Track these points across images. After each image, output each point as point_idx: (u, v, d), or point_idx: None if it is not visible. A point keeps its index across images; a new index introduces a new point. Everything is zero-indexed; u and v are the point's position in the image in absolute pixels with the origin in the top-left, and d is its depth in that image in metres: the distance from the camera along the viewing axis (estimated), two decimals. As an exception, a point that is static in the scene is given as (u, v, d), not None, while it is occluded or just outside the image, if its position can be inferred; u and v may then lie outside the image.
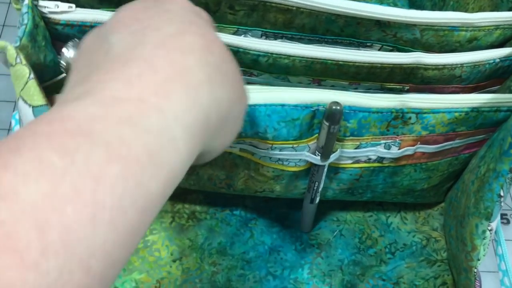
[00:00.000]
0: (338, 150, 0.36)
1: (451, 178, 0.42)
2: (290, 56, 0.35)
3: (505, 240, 0.46)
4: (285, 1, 0.34)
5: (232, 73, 0.23)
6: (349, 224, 0.45)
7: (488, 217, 0.32)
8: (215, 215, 0.45)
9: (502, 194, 0.31)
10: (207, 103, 0.20)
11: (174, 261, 0.43)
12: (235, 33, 0.37)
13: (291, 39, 0.38)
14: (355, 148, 0.36)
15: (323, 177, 0.38)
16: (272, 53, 0.35)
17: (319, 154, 0.35)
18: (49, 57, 0.34)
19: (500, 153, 0.31)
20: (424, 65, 0.36)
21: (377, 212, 0.46)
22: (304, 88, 0.33)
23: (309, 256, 0.44)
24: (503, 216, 0.48)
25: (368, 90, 0.39)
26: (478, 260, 0.35)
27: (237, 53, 0.35)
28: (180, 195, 0.45)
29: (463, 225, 0.36)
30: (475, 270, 0.36)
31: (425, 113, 0.35)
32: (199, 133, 0.20)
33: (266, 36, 0.38)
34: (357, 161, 0.38)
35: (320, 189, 0.39)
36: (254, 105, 0.33)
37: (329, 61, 0.35)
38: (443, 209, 0.46)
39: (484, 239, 0.34)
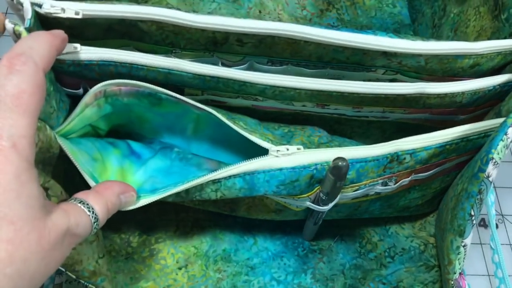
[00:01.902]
0: (338, 196, 0.37)
1: (443, 192, 0.44)
2: (296, 89, 0.35)
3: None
4: (293, 34, 0.34)
5: None
6: (350, 229, 0.47)
7: (461, 234, 0.35)
8: (218, 223, 0.46)
9: (472, 213, 0.33)
10: None
11: (179, 268, 0.45)
12: (241, 60, 0.37)
13: (297, 65, 0.38)
14: (354, 191, 0.37)
15: (325, 214, 0.39)
16: (278, 86, 0.35)
17: (321, 202, 0.36)
18: (57, 98, 0.34)
19: (472, 175, 0.33)
20: (427, 94, 0.36)
21: (376, 218, 0.47)
22: (300, 151, 0.34)
23: (312, 261, 0.46)
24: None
25: (370, 112, 0.39)
26: (454, 273, 0.37)
27: (244, 85, 0.35)
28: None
29: (443, 239, 0.38)
30: (452, 283, 0.38)
31: (418, 151, 0.36)
32: None
33: (272, 62, 0.37)
34: (356, 198, 0.39)
35: (322, 218, 0.40)
36: (253, 173, 0.33)
37: (334, 93, 0.36)
38: (437, 214, 0.48)
39: (458, 254, 0.36)
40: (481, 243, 0.48)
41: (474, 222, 0.34)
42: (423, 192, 0.42)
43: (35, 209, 0.22)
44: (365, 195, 0.39)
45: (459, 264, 0.37)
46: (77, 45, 0.33)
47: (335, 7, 0.56)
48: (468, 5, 0.44)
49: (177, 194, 0.33)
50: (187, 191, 0.33)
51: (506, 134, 0.31)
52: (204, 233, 0.46)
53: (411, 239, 0.47)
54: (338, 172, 0.33)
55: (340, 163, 0.32)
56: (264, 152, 0.34)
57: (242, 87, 0.35)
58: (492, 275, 0.48)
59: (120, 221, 0.45)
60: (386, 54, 0.36)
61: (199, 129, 0.39)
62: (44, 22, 0.31)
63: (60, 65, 0.33)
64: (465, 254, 0.37)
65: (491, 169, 0.32)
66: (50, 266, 0.23)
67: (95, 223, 0.27)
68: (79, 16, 0.32)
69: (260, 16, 0.54)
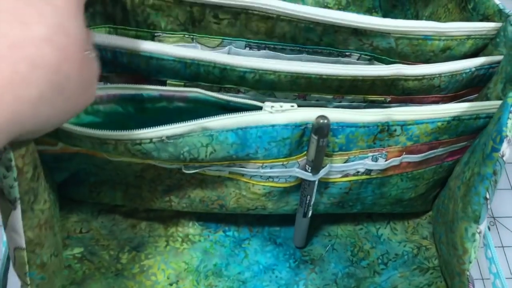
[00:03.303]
0: (328, 165, 0.37)
1: (436, 186, 0.43)
2: (275, 71, 0.36)
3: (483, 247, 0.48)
4: (266, 8, 0.35)
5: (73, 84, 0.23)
6: (341, 238, 0.46)
7: (477, 220, 0.33)
8: (209, 237, 0.45)
9: (488, 196, 0.32)
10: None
11: (171, 284, 0.43)
12: (220, 44, 0.38)
13: (274, 49, 0.39)
14: (344, 162, 0.37)
15: (314, 192, 0.38)
16: (258, 70, 0.36)
17: (309, 169, 0.36)
18: None
19: (483, 157, 0.32)
20: (404, 76, 0.37)
21: (367, 224, 0.46)
22: (293, 109, 0.34)
23: (303, 272, 0.44)
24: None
25: (352, 103, 0.40)
26: (470, 262, 0.36)
27: (224, 70, 0.36)
28: (173, 218, 0.45)
29: (453, 230, 0.36)
30: (468, 273, 0.37)
31: (409, 124, 0.36)
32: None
33: (250, 47, 0.38)
34: (346, 175, 0.38)
35: (312, 203, 0.40)
36: (245, 128, 0.33)
37: (313, 76, 0.36)
38: (431, 218, 0.47)
39: (474, 241, 0.34)
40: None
41: (489, 206, 0.34)
42: (416, 182, 0.41)
43: (85, 36, 0.23)
44: (355, 173, 0.38)
45: (474, 253, 0.35)
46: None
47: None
48: (437, 5, 0.46)
49: (164, 145, 0.33)
50: (175, 144, 0.33)
51: (511, 112, 0.31)
52: (194, 248, 0.44)
53: (404, 243, 0.45)
54: (320, 130, 0.33)
55: (321, 121, 0.33)
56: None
57: (223, 73, 0.36)
58: (487, 279, 0.47)
59: (108, 238, 0.43)
60: (357, 33, 0.37)
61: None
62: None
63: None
64: (479, 243, 0.35)
65: (505, 148, 0.31)
66: (82, 99, 0.24)
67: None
68: None
69: None
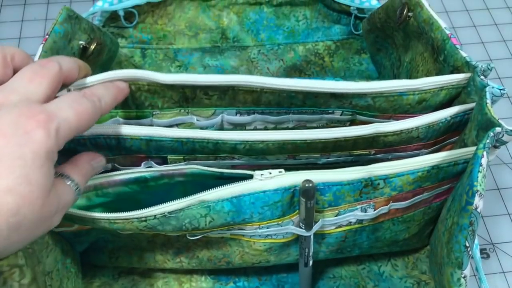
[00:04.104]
0: (320, 220, 0.40)
1: (429, 224, 0.46)
2: (263, 141, 0.40)
3: (488, 274, 0.50)
4: (249, 85, 0.39)
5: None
6: (345, 279, 0.48)
7: (460, 266, 0.36)
8: None
9: (467, 244, 0.35)
10: None
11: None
12: (213, 114, 0.42)
13: (262, 113, 0.43)
14: (335, 216, 0.40)
15: (311, 244, 0.41)
16: (247, 141, 0.39)
17: (303, 226, 0.39)
18: None
19: (460, 209, 0.35)
20: (383, 133, 0.40)
21: (369, 263, 0.49)
22: (281, 174, 0.37)
23: (312, 315, 0.47)
24: (482, 251, 0.51)
25: (339, 158, 0.43)
26: None
27: (217, 144, 0.39)
28: (186, 273, 0.48)
29: (442, 273, 0.39)
30: None
31: (391, 177, 0.39)
32: None
33: (240, 113, 0.42)
34: (340, 226, 0.41)
35: (311, 254, 0.43)
36: (239, 196, 0.37)
37: (298, 141, 0.40)
38: (429, 252, 0.49)
39: (460, 286, 0.37)
40: (474, 275, 0.49)
41: (470, 253, 0.36)
42: (407, 224, 0.44)
43: (49, 182, 0.27)
44: (348, 224, 0.41)
45: None
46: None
47: (306, 73, 0.62)
48: (415, 53, 0.49)
49: (167, 220, 0.36)
50: (177, 217, 0.36)
51: (481, 165, 0.34)
52: (208, 300, 0.48)
53: (405, 279, 0.48)
54: (306, 193, 0.37)
55: (307, 185, 0.36)
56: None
57: (216, 146, 0.39)
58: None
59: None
60: (335, 96, 0.40)
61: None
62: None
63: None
64: (466, 285, 0.38)
65: (477, 201, 0.34)
66: (39, 231, 0.28)
67: (78, 194, 0.31)
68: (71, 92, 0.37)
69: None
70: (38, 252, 0.39)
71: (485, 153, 0.35)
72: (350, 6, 0.61)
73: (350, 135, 0.40)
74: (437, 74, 0.44)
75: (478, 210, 0.34)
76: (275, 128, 0.44)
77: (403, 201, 0.41)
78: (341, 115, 0.43)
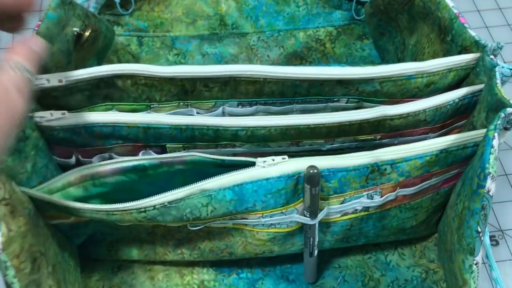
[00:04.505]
0: (325, 208, 0.38)
1: (437, 211, 0.44)
2: (265, 127, 0.38)
3: (497, 261, 0.48)
4: (251, 75, 0.38)
5: None
6: (351, 269, 0.47)
7: (472, 253, 0.35)
8: (223, 281, 0.47)
9: (479, 230, 0.34)
10: None
11: (190, 330, 0.45)
12: (213, 106, 0.41)
13: (265, 104, 0.41)
14: (341, 204, 0.39)
15: (316, 233, 0.40)
16: (249, 127, 0.38)
17: (308, 214, 0.38)
18: (40, 163, 0.37)
19: (471, 193, 0.34)
20: (389, 116, 0.39)
21: (376, 252, 0.48)
22: (285, 161, 0.36)
23: (318, 306, 0.46)
24: (492, 238, 0.50)
25: (343, 143, 0.42)
26: None
27: (218, 131, 0.38)
28: (188, 265, 0.47)
29: (452, 260, 0.38)
30: None
31: (398, 162, 0.37)
32: None
33: (242, 105, 0.41)
34: (345, 214, 0.40)
35: (316, 243, 0.41)
36: (241, 184, 0.35)
37: (301, 126, 0.38)
38: (437, 240, 0.48)
39: (472, 273, 0.35)
40: (484, 262, 0.48)
41: (482, 238, 0.35)
42: (415, 211, 0.42)
43: None
44: (354, 211, 0.40)
45: (474, 283, 0.36)
46: (65, 112, 0.36)
47: (308, 60, 0.60)
48: (421, 35, 0.47)
49: (167, 210, 0.35)
50: (177, 207, 0.35)
51: (492, 147, 0.33)
52: (210, 292, 0.47)
53: (412, 268, 0.47)
54: (311, 180, 0.35)
55: (311, 171, 0.35)
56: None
57: (217, 133, 0.38)
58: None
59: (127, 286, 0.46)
60: (341, 83, 0.39)
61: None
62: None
63: (50, 132, 0.37)
64: (478, 273, 0.37)
65: (489, 183, 0.33)
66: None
67: (26, 73, 0.28)
68: (63, 83, 0.36)
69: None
70: (42, 245, 0.37)
71: (496, 134, 0.33)
72: (351, -9, 0.60)
73: (355, 118, 0.38)
74: (445, 55, 0.43)
75: (491, 193, 0.33)
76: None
77: (410, 187, 0.39)
78: (346, 102, 0.42)
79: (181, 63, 0.59)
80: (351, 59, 0.61)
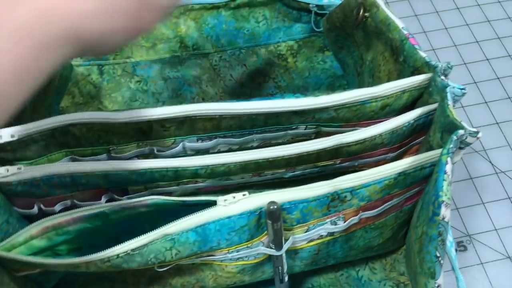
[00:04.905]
0: (290, 237, 0.39)
1: (402, 227, 0.45)
2: (224, 164, 0.38)
3: (466, 266, 0.50)
4: (206, 113, 0.38)
5: None
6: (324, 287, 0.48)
7: (433, 276, 0.35)
8: None
9: (438, 255, 0.35)
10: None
11: None
12: (173, 143, 0.41)
13: (224, 137, 0.41)
14: (305, 232, 0.39)
15: (285, 262, 0.41)
16: (208, 165, 0.38)
17: (273, 246, 0.38)
18: (0, 220, 0.37)
19: (428, 219, 0.34)
20: (346, 143, 0.39)
21: (347, 269, 0.49)
22: (245, 197, 0.36)
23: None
24: (459, 244, 0.51)
25: (305, 170, 0.42)
26: None
27: (177, 171, 0.38)
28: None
29: (417, 281, 0.39)
30: None
31: (357, 189, 0.38)
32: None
33: (201, 139, 0.41)
34: (311, 240, 0.41)
35: (285, 271, 0.42)
36: (203, 225, 0.36)
37: (260, 160, 0.38)
38: (405, 252, 0.49)
39: (435, 294, 0.36)
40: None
41: (442, 262, 0.36)
42: (380, 230, 0.43)
43: None
44: (319, 237, 0.40)
45: None
46: (21, 166, 0.36)
47: (270, 77, 0.61)
48: (376, 52, 0.48)
49: (131, 257, 0.35)
50: (141, 253, 0.35)
51: (445, 173, 0.34)
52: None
53: (383, 282, 0.48)
54: (272, 215, 0.36)
55: (272, 207, 0.35)
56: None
57: (177, 174, 0.38)
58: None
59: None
60: (297, 113, 0.39)
61: (156, 226, 0.41)
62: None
63: (8, 187, 0.37)
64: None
65: (444, 211, 0.33)
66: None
67: None
68: (15, 138, 0.35)
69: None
70: None
71: (449, 159, 0.34)
72: (309, 4, 0.60)
73: (312, 149, 0.39)
74: (398, 75, 0.44)
75: (446, 219, 0.34)
76: (239, 149, 0.43)
77: (373, 209, 0.40)
78: (305, 129, 0.42)
79: (143, 90, 0.58)
80: (314, 72, 0.61)
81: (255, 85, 0.61)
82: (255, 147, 0.43)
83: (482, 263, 0.50)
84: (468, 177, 0.55)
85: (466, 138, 0.35)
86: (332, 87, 0.60)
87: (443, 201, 0.33)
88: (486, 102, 0.60)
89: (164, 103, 0.58)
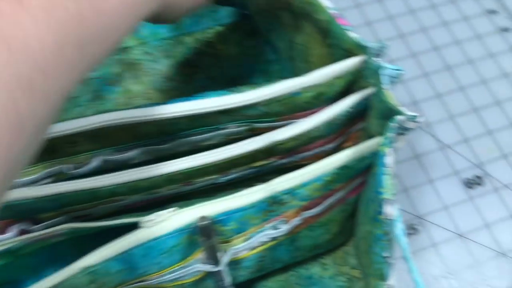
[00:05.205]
0: (229, 250, 0.35)
1: (350, 219, 0.43)
2: (147, 178, 0.34)
3: (419, 250, 0.48)
4: (117, 122, 0.33)
5: None
6: (274, 291, 0.45)
7: (382, 278, 0.33)
8: None
9: (386, 255, 0.32)
10: None
11: None
12: (88, 159, 0.36)
13: (145, 145, 0.37)
14: (245, 241, 0.36)
15: (226, 275, 0.37)
16: (126, 182, 0.34)
17: (211, 263, 0.35)
18: None
19: (371, 218, 0.32)
20: (279, 141, 0.36)
21: (297, 268, 0.46)
22: (172, 214, 0.32)
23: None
24: (410, 227, 0.49)
25: (241, 172, 0.38)
26: None
27: (92, 193, 0.33)
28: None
29: (368, 282, 0.36)
30: None
31: (296, 189, 0.35)
32: None
33: (119, 151, 0.36)
34: (253, 248, 0.37)
35: (229, 284, 0.38)
36: (126, 251, 0.32)
37: (186, 171, 0.35)
38: (354, 243, 0.46)
39: (386, 296, 0.34)
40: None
41: (391, 261, 0.33)
42: (326, 226, 0.40)
43: None
44: (262, 244, 0.37)
45: None
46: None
47: (201, 68, 0.56)
48: (305, 34, 0.44)
49: None
50: None
51: (386, 166, 0.31)
52: None
53: (335, 277, 0.45)
54: (204, 231, 0.32)
55: (202, 223, 0.32)
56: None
57: (92, 195, 0.34)
58: None
59: None
60: (224, 112, 0.35)
61: (81, 249, 0.36)
62: None
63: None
64: None
65: (388, 209, 0.30)
66: None
67: None
68: None
69: (129, 103, 0.53)
70: None
71: (389, 150, 0.31)
72: (233, -16, 0.55)
73: (242, 152, 0.35)
74: (331, 59, 0.40)
75: (391, 217, 0.31)
76: (166, 156, 0.38)
77: (315, 207, 0.37)
78: (237, 127, 0.38)
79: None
80: (247, 58, 0.57)
81: (185, 78, 0.56)
82: (186, 152, 0.39)
83: (435, 244, 0.49)
84: (413, 155, 0.53)
85: (405, 124, 0.33)
86: (266, 74, 0.56)
87: (385, 199, 0.30)
88: (426, 75, 0.58)
89: (84, 107, 0.53)
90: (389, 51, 0.58)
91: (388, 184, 0.30)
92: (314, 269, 0.46)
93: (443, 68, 0.59)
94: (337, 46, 0.38)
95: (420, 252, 0.48)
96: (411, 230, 0.49)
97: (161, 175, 0.34)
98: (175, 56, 0.56)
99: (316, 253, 0.44)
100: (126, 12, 0.22)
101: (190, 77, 0.56)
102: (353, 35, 0.37)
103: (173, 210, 0.32)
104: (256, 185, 0.35)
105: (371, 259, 0.33)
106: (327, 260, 0.46)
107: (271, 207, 0.35)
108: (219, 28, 0.57)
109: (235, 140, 0.37)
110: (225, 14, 0.58)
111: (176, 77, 0.56)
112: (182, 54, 0.56)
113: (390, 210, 0.30)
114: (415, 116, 0.32)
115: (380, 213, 0.30)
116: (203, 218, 0.32)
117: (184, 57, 0.56)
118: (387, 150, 0.31)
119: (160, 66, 0.56)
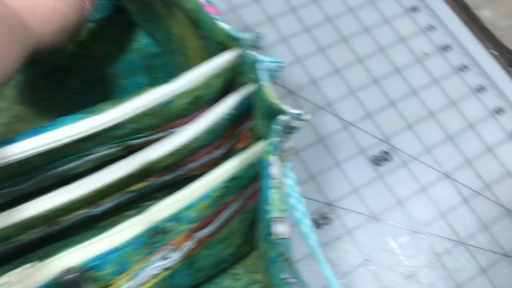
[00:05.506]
0: None
1: (252, 227, 0.39)
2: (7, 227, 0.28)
3: (334, 240, 0.45)
4: None
5: None
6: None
7: (286, 299, 0.30)
8: None
9: (285, 276, 0.28)
10: None
11: None
12: None
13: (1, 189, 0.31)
14: (131, 280, 0.31)
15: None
16: None
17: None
18: None
19: (263, 238, 0.28)
20: (155, 160, 0.31)
21: (207, 284, 0.42)
22: (27, 273, 0.26)
23: None
24: (323, 216, 0.46)
25: (117, 199, 0.33)
26: None
27: None
28: None
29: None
30: None
31: (180, 214, 0.30)
32: None
33: None
34: (144, 283, 0.33)
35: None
36: None
37: (40, 215, 0.29)
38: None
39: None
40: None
41: (291, 280, 0.29)
42: (227, 240, 0.36)
43: None
44: (154, 277, 0.33)
45: None
46: None
47: (73, 71, 0.49)
48: (179, 25, 0.39)
49: None
50: None
51: (271, 178, 0.27)
52: None
53: (249, 287, 0.42)
54: (73, 286, 0.27)
55: (68, 277, 0.26)
56: None
57: None
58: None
59: None
60: (85, 139, 0.30)
61: None
62: None
63: None
64: None
65: (278, 228, 0.27)
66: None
67: None
68: None
69: None
70: None
71: (274, 158, 0.28)
72: (97, -27, 0.48)
73: (114, 178, 0.30)
74: (204, 51, 0.35)
75: (284, 236, 0.27)
76: (33, 192, 0.32)
77: (207, 226, 0.33)
78: (108, 149, 0.33)
79: None
80: (126, 55, 0.51)
81: (56, 86, 0.49)
82: (55, 184, 0.33)
83: (349, 231, 0.46)
84: (317, 139, 0.50)
85: (291, 123, 0.29)
86: (150, 69, 0.50)
87: (274, 217, 0.26)
88: (321, 50, 0.55)
89: None
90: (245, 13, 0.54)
91: (275, 199, 0.27)
92: (225, 282, 0.42)
93: (338, 41, 0.56)
94: (209, 38, 0.33)
95: (336, 242, 0.46)
96: (323, 220, 0.46)
97: (15, 224, 0.28)
98: (41, 61, 0.49)
99: (223, 268, 0.40)
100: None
101: (62, 83, 0.49)
102: (224, 25, 0.32)
103: (31, 266, 0.27)
104: (136, 212, 0.30)
105: (272, 281, 0.30)
106: (238, 269, 0.42)
107: (154, 239, 0.30)
108: (91, 25, 0.51)
109: (110, 161, 0.32)
110: (97, 8, 0.51)
111: (45, 85, 0.49)
112: (51, 59, 0.49)
113: (281, 229, 0.27)
114: (300, 114, 0.29)
115: (270, 234, 0.27)
116: (67, 271, 0.27)
117: (52, 62, 0.49)
118: (272, 158, 0.27)
119: (25, 76, 0.48)
